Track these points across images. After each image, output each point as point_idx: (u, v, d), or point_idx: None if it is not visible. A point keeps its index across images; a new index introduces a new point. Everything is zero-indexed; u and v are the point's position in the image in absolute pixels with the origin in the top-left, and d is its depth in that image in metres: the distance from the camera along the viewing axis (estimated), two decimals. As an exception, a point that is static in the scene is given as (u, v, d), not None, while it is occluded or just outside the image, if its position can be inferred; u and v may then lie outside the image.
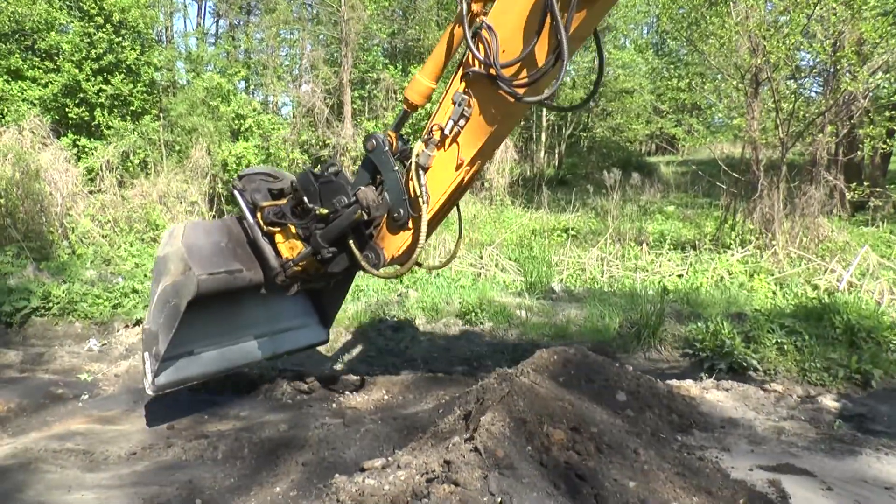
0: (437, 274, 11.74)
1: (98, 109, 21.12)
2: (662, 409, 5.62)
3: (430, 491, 3.42)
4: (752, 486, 4.42)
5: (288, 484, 4.87)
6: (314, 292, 7.14)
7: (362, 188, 5.51)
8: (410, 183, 5.20)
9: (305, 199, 5.88)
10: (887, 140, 16.32)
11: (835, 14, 13.75)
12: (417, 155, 5.11)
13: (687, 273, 12.16)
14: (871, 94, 15.32)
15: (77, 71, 20.69)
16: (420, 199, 5.02)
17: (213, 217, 19.48)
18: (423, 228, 5.01)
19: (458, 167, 5.10)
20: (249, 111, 23.58)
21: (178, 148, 21.59)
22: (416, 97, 5.48)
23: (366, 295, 10.37)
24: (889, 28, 13.36)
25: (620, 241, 14.18)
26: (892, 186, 19.78)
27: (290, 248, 6.13)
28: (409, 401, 7.35)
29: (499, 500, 3.32)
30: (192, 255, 5.83)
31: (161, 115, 22.90)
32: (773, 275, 11.82)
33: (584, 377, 5.56)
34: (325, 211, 5.74)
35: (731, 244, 13.73)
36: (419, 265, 5.97)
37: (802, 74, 16.53)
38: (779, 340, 8.11)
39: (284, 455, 5.52)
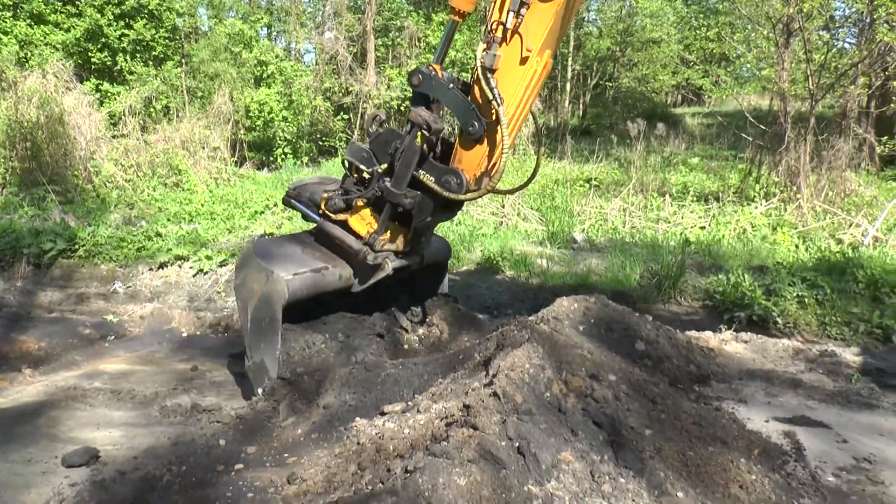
0: (459, 222, 11.74)
1: (120, 55, 21.11)
2: (681, 359, 5.64)
3: (449, 434, 3.48)
4: (768, 438, 4.46)
5: (309, 426, 4.95)
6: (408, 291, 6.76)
7: (413, 109, 5.37)
8: (477, 92, 5.10)
9: (362, 166, 5.78)
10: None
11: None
12: (482, 58, 4.98)
13: (709, 225, 12.08)
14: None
15: (99, 16, 20.63)
16: (494, 103, 4.91)
17: (236, 163, 19.55)
18: (505, 132, 4.89)
19: (526, 60, 4.96)
20: (272, 58, 23.47)
21: (200, 94, 21.59)
22: (464, 3, 5.27)
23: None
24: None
25: (643, 192, 14.07)
26: (924, 141, 19.43)
27: (365, 223, 5.85)
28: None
29: (516, 444, 3.38)
30: (270, 261, 5.55)
31: (183, 61, 22.85)
32: (796, 228, 11.72)
33: (604, 326, 5.58)
34: (385, 165, 5.62)
35: (755, 197, 13.60)
36: (496, 191, 5.71)
37: (836, 24, 16.15)
38: (799, 294, 8.06)
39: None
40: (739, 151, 18.68)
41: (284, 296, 5.31)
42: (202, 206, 13.83)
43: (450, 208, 5.89)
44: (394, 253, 5.90)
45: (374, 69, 24.06)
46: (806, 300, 8.01)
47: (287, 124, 22.55)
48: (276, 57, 23.79)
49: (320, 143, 24.30)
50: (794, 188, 13.22)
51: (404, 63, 24.68)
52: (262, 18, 26.16)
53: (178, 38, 23.21)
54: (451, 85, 5.35)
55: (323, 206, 5.97)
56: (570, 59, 29.61)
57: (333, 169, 18.99)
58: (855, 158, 14.91)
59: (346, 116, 24.43)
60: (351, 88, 23.77)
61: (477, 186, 5.38)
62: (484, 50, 4.99)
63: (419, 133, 5.36)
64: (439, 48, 5.68)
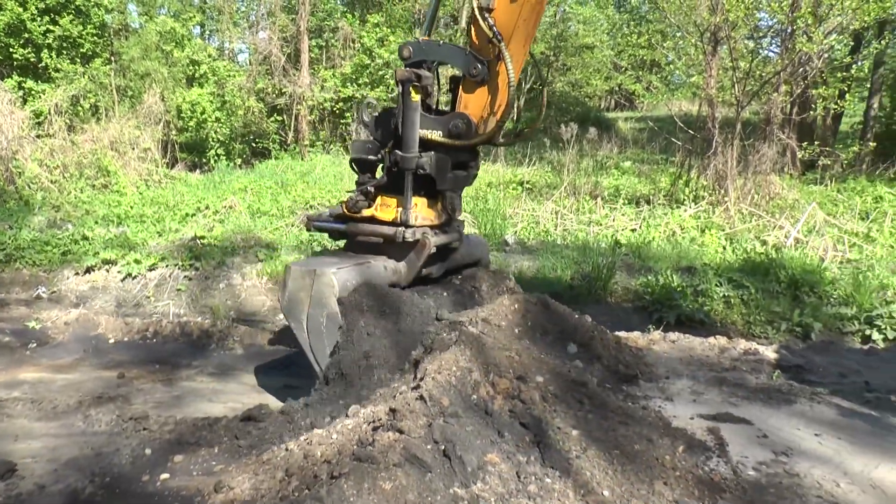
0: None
1: (45, 51, 20.42)
2: (611, 359, 5.74)
3: (374, 439, 3.47)
4: (692, 434, 4.57)
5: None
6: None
7: (397, 70, 5.55)
8: (474, 35, 5.36)
9: (370, 157, 5.84)
10: (838, 101, 16.59)
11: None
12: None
13: (640, 227, 12.32)
14: (825, 55, 15.50)
15: (21, 10, 19.91)
16: (495, 40, 5.12)
17: (168, 165, 19.16)
18: (509, 66, 5.08)
19: None
20: (204, 57, 23.06)
21: (130, 93, 21.06)
22: None
23: (319, 245, 10.33)
24: (844, -9, 13.52)
25: (575, 195, 14.27)
26: (841, 146, 20.18)
27: (391, 209, 5.86)
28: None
29: (442, 447, 3.39)
30: (310, 265, 5.50)
31: (113, 58, 22.24)
32: (723, 230, 12.04)
33: (540, 328, 5.64)
34: (390, 145, 5.69)
35: (684, 200, 13.92)
36: (496, 144, 5.92)
37: (760, 34, 16.66)
38: (726, 294, 8.30)
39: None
40: (670, 155, 19.09)
41: (334, 285, 5.26)
42: (131, 208, 13.52)
43: (465, 165, 5.96)
44: (430, 228, 5.91)
45: (307, 70, 23.85)
46: (732, 300, 8.25)
47: (220, 125, 22.17)
48: (209, 56, 23.37)
49: (254, 144, 23.99)
50: (722, 191, 13.58)
51: (338, 64, 24.55)
52: (194, 17, 25.65)
53: (106, 35, 22.57)
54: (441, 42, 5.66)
55: (345, 210, 5.95)
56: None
57: (267, 171, 18.78)
58: (778, 163, 15.39)
59: (279, 118, 24.16)
60: (284, 89, 23.53)
61: (485, 128, 5.51)
62: None
63: (411, 88, 5.48)
64: (427, 19, 6.05)
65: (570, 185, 14.60)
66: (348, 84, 23.63)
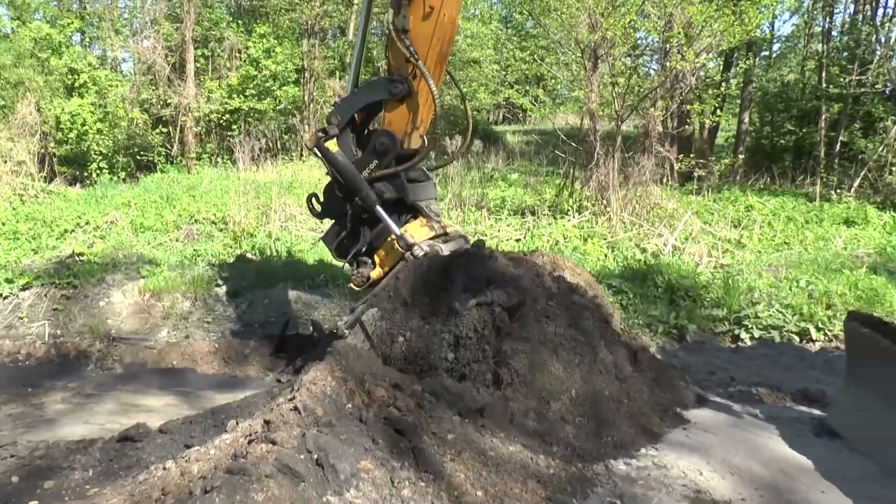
0: (277, 238, 11.64)
1: None
2: (489, 367, 5.87)
3: (248, 451, 3.48)
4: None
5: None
6: None
7: (304, 140, 6.02)
8: (391, 57, 5.55)
9: (344, 225, 5.87)
10: (712, 116, 17.53)
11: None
12: (394, 21, 5.38)
13: (524, 237, 12.63)
14: (698, 72, 16.37)
15: None
16: (412, 59, 5.32)
17: (45, 179, 18.34)
18: (429, 80, 5.29)
19: (429, 15, 5.38)
20: (84, 66, 22.17)
21: (2, 103, 20.05)
22: None
23: (204, 260, 10.17)
24: (713, 13, 14.30)
25: (461, 207, 14.49)
26: (714, 158, 21.30)
27: (388, 255, 5.83)
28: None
29: (315, 456, 3.44)
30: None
31: (-21, 66, 21.12)
32: (605, 239, 12.49)
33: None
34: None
35: (568, 210, 14.34)
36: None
37: (637, 52, 17.39)
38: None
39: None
40: (556, 167, 19.63)
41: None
42: (3, 224, 12.90)
43: (418, 179, 6.05)
44: (432, 239, 5.86)
45: (193, 81, 23.32)
46: (612, 305, 8.58)
47: (102, 137, 21.34)
48: (90, 65, 22.48)
49: (138, 157, 23.19)
50: (604, 202, 14.07)
51: (224, 75, 24.10)
52: (72, 23, 24.59)
53: (-28, 41, 21.47)
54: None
55: (354, 285, 5.96)
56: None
57: (152, 185, 18.26)
58: (657, 174, 16.09)
59: (164, 130, 23.48)
60: (170, 100, 22.92)
61: (409, 143, 5.70)
62: (394, 14, 5.42)
63: (325, 145, 5.65)
64: (352, 73, 6.12)
65: (455, 197, 14.81)
66: (235, 95, 23.23)
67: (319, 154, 5.75)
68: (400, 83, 5.54)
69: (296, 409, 3.73)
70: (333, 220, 6.04)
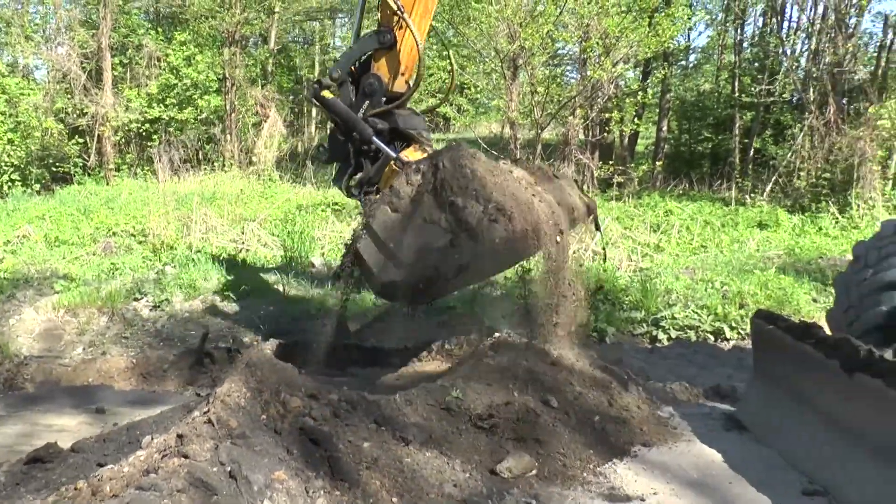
0: (198, 250, 11.46)
1: None
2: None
3: (160, 466, 3.44)
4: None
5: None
6: None
7: (306, 88, 6.52)
8: (382, 12, 6.03)
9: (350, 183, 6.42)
10: (630, 124, 18.04)
11: (584, 8, 14.91)
12: None
13: (448, 245, 12.69)
14: (616, 81, 16.82)
15: None
16: (399, 12, 5.80)
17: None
18: (414, 29, 5.81)
19: None
20: (-9, 73, 21.39)
21: None
22: None
23: (121, 273, 9.94)
24: (629, 24, 14.76)
25: (384, 215, 14.48)
26: (634, 165, 21.87)
27: (387, 182, 6.02)
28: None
29: (228, 468, 3.42)
30: None
31: None
32: (528, 245, 12.66)
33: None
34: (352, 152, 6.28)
35: (492, 219, 14.49)
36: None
37: (556, 61, 17.76)
38: (526, 304, 8.77)
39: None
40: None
41: None
42: None
43: (404, 114, 6.47)
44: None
45: (111, 89, 22.72)
46: (532, 310, 8.73)
47: (14, 148, 20.58)
48: (-1, 73, 21.69)
49: (53, 168, 22.42)
50: (526, 208, 14.27)
51: (143, 83, 23.56)
52: (-24, 27, 23.66)
53: None
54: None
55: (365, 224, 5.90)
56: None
57: (68, 197, 17.73)
58: (578, 181, 16.44)
59: (81, 140, 22.78)
60: (86, 109, 22.28)
61: (393, 86, 6.19)
62: None
63: (322, 94, 6.15)
64: (355, 26, 6.63)
65: (378, 206, 14.81)
66: (155, 104, 22.75)
67: (318, 103, 6.26)
68: (387, 33, 6.03)
69: (209, 421, 3.71)
70: (340, 164, 6.56)
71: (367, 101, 6.13)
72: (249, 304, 9.04)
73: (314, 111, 29.64)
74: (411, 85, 6.46)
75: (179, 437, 3.64)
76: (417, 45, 6.00)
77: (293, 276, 10.06)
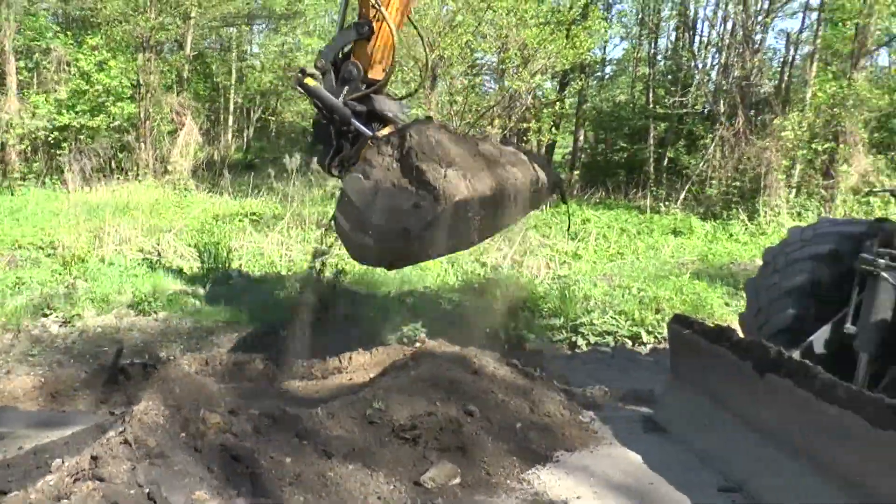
0: (111, 262, 11.08)
1: None
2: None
3: (72, 491, 3.31)
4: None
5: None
6: None
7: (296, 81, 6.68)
8: (363, 7, 6.38)
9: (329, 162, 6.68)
10: (547, 133, 18.36)
11: (503, 19, 15.12)
12: None
13: (369, 256, 12.58)
14: (534, 92, 17.10)
15: None
16: (375, 5, 6.18)
17: None
18: (390, 20, 6.20)
19: None
20: None
21: None
22: None
23: (28, 288, 9.52)
24: (547, 36, 15.03)
25: (302, 226, 14.34)
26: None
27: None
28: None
29: (146, 490, 3.32)
30: None
31: None
32: (443, 254, 12.69)
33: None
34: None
35: (411, 228, 14.47)
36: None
37: (475, 71, 17.93)
38: (446, 313, 8.82)
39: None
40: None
41: None
42: None
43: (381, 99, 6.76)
44: None
45: (16, 95, 21.78)
46: (452, 318, 8.78)
47: None
48: None
49: (-47, 180, 21.38)
50: (446, 217, 14.33)
51: (51, 89, 22.68)
52: None
53: None
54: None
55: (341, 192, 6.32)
56: (231, 91, 29.27)
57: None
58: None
59: (-18, 148, 21.76)
60: (-10, 117, 21.32)
61: (373, 75, 6.51)
62: None
63: (306, 81, 6.45)
64: (339, 18, 6.96)
65: (296, 216, 14.64)
66: (64, 111, 21.93)
67: (302, 90, 6.58)
68: (365, 25, 6.40)
69: (126, 441, 3.59)
70: (323, 145, 6.83)
71: (347, 87, 6.52)
72: (166, 317, 8.78)
73: (230, 119, 29.20)
74: (387, 72, 6.83)
75: (94, 458, 3.51)
76: (392, 36, 6.43)
77: (211, 288, 9.85)
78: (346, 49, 6.74)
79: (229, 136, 29.76)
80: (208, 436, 3.81)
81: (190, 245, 12.41)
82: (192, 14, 24.69)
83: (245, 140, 32.20)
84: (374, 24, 6.47)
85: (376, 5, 6.38)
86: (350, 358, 7.40)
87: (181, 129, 22.53)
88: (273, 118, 31.39)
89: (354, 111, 6.52)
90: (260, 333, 8.16)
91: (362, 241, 6.00)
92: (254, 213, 15.67)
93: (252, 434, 3.96)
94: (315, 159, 7.37)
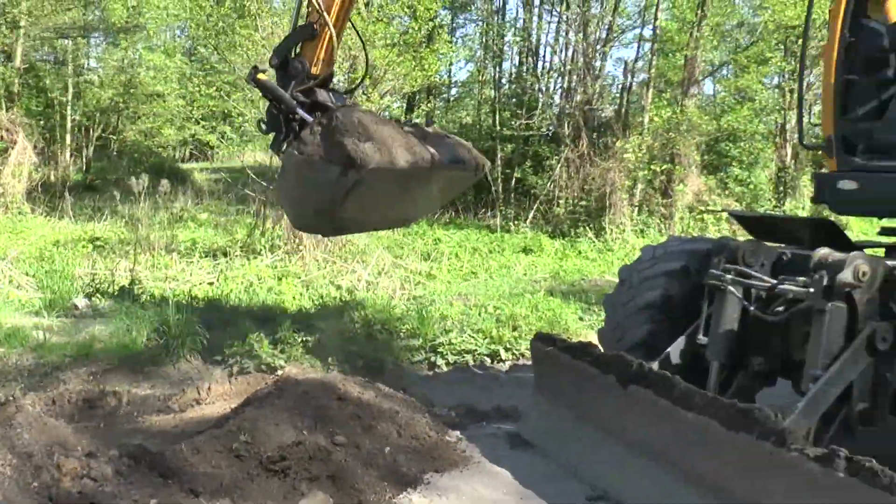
0: None
1: None
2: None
3: None
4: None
5: None
6: None
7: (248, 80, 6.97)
8: (308, 9, 6.69)
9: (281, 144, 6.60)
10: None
11: (351, 39, 15.06)
12: None
13: (218, 280, 12.12)
14: (382, 114, 17.15)
15: None
16: (318, 10, 6.40)
17: None
18: (329, 23, 6.45)
19: None
20: None
21: None
22: None
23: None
24: (395, 58, 15.14)
25: (150, 251, 13.63)
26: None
27: None
28: None
29: (-5, 550, 3.00)
30: None
31: None
32: (300, 278, 12.45)
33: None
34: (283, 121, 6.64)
35: (261, 250, 14.10)
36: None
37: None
38: (304, 339, 8.63)
39: None
40: (247, 206, 19.22)
41: None
42: None
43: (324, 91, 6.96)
44: None
45: None
46: (310, 344, 8.60)
47: None
48: None
49: None
50: (297, 240, 14.07)
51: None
52: None
53: None
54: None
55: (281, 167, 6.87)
56: (68, 108, 27.48)
57: None
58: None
59: None
60: None
61: (316, 71, 6.69)
62: None
63: (259, 75, 6.66)
64: (293, 19, 7.23)
65: (144, 241, 13.91)
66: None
67: (255, 85, 6.82)
68: (311, 27, 6.70)
69: (-34, 496, 3.24)
70: (275, 133, 6.92)
71: (293, 81, 6.81)
72: (3, 354, 8.02)
73: (68, 137, 27.41)
74: (329, 68, 7.13)
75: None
76: (333, 38, 6.72)
77: (54, 320, 9.15)
78: (298, 49, 7.09)
79: (67, 155, 27.84)
80: (64, 483, 3.50)
81: (28, 274, 11.48)
82: (22, 23, 23.01)
83: (85, 160, 30.26)
84: (317, 27, 6.92)
85: (319, 10, 6.77)
86: (209, 388, 7.12)
87: (13, 148, 20.86)
88: (114, 136, 29.72)
89: (300, 102, 6.88)
90: (111, 367, 7.66)
91: (298, 211, 6.75)
92: (98, 239, 14.72)
93: (113, 477, 3.68)
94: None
